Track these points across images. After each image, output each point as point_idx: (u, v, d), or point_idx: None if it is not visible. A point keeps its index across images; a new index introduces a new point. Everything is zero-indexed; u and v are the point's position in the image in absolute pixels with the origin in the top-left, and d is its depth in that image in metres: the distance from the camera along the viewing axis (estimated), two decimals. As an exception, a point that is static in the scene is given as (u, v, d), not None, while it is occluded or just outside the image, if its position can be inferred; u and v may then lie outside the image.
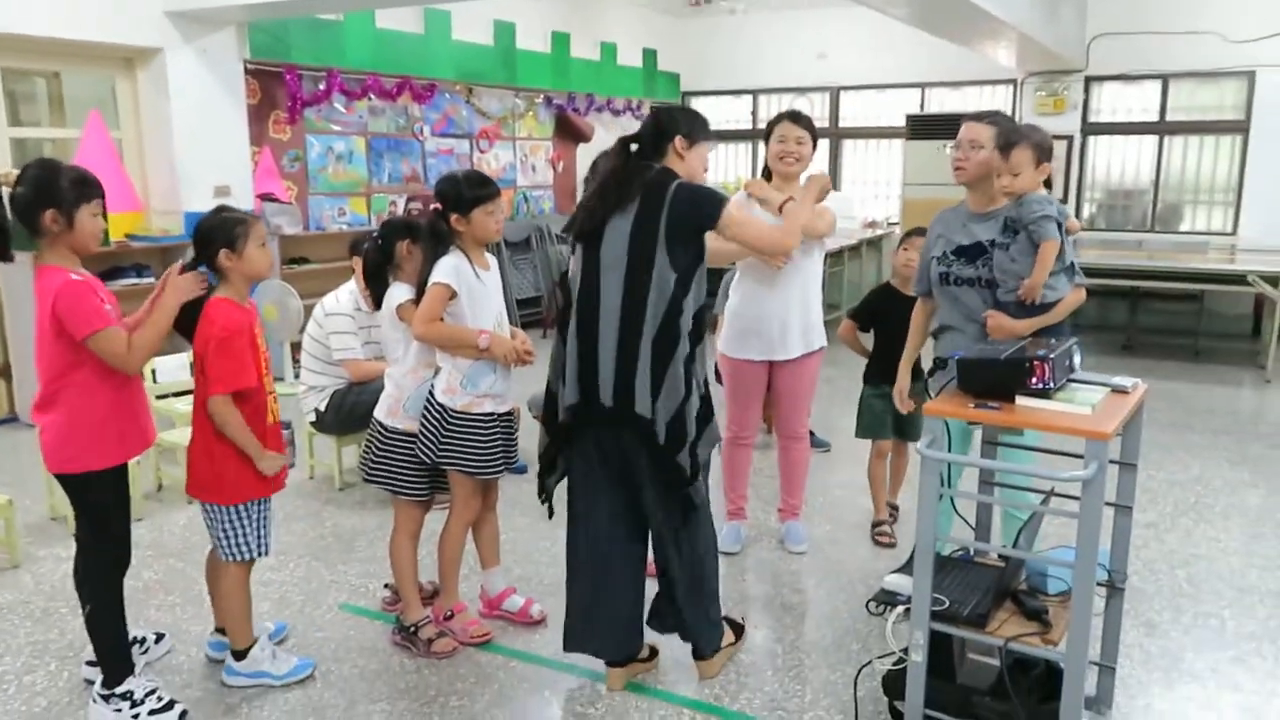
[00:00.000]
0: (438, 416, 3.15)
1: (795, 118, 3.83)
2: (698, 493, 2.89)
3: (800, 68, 10.84)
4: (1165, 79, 9.40)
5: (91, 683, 2.91)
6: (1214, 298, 8.91)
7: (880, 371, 4.09)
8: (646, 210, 2.75)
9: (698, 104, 11.64)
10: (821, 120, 11.13)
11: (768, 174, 3.86)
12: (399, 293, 3.30)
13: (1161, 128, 9.54)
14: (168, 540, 4.21)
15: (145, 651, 3.17)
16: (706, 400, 2.88)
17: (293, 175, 7.47)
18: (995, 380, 2.41)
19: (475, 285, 3.12)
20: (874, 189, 11.02)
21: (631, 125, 9.93)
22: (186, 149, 6.52)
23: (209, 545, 3.08)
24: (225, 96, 6.72)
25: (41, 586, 3.73)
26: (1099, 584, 2.64)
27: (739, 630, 3.27)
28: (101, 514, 2.82)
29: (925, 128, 9.72)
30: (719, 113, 11.44)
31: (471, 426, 3.15)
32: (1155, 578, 3.82)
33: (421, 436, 3.17)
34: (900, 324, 4.10)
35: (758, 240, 3.00)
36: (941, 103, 10.47)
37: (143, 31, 6.19)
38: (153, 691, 2.85)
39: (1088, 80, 9.63)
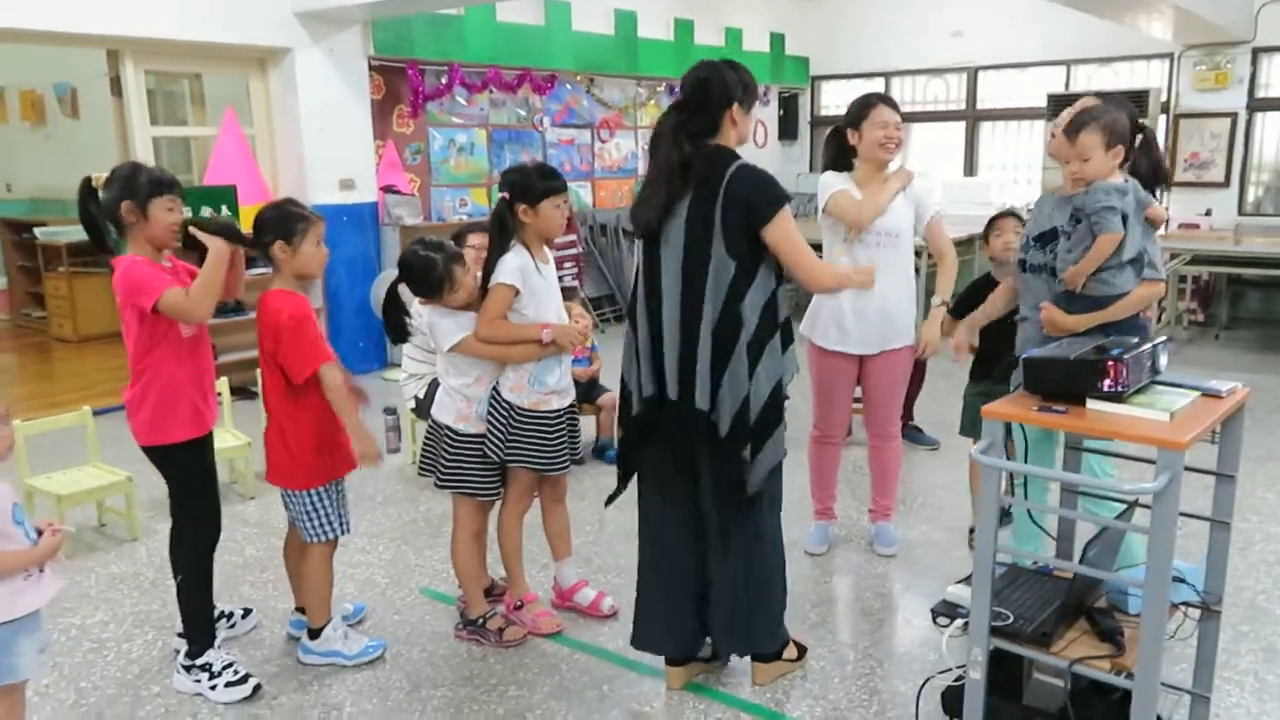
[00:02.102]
0: (505, 414, 3.15)
1: (891, 103, 3.66)
2: (761, 495, 2.78)
3: (934, 47, 10.39)
4: (1346, 48, 8.54)
5: (179, 652, 3.07)
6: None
7: (985, 368, 3.87)
8: (702, 197, 2.66)
9: (828, 88, 11.35)
10: (958, 102, 10.67)
11: (845, 159, 3.70)
12: (450, 327, 3.15)
13: (1341, 101, 8.68)
14: (273, 519, 4.40)
15: (232, 626, 3.33)
16: (777, 402, 2.74)
17: (415, 168, 7.70)
18: (1064, 381, 2.22)
19: (537, 282, 3.11)
20: (1013, 173, 10.48)
21: (758, 112, 9.78)
22: (314, 144, 6.82)
23: (288, 532, 3.21)
24: (350, 93, 6.99)
25: (154, 559, 3.97)
26: (1191, 606, 2.42)
27: (801, 651, 3.11)
28: (184, 485, 2.97)
29: (1068, 108, 9.15)
30: (850, 97, 11.10)
31: (539, 423, 3.15)
32: (1285, 598, 3.48)
33: (490, 435, 3.17)
34: (1005, 316, 3.87)
35: (796, 266, 2.70)
36: (1089, 80, 9.84)
37: (273, 32, 6.49)
38: (230, 665, 2.99)
39: (1255, 52, 8.83)
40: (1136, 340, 2.34)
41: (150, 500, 4.44)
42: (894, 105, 3.65)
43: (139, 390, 2.87)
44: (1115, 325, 2.87)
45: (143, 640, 3.33)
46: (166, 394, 2.86)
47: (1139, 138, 3.02)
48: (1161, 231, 3.07)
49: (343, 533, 3.12)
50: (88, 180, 2.85)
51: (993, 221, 4.02)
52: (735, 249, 2.64)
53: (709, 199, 2.64)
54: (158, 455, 2.94)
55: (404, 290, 3.27)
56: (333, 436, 3.03)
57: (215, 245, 2.83)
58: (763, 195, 2.64)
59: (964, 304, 4.11)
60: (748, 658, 3.01)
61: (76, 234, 8.55)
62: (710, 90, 2.70)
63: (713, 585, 2.88)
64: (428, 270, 3.09)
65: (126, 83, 6.24)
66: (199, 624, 3.01)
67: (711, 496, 2.79)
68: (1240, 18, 8.36)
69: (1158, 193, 3.10)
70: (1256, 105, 8.98)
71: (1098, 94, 3.30)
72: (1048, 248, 2.99)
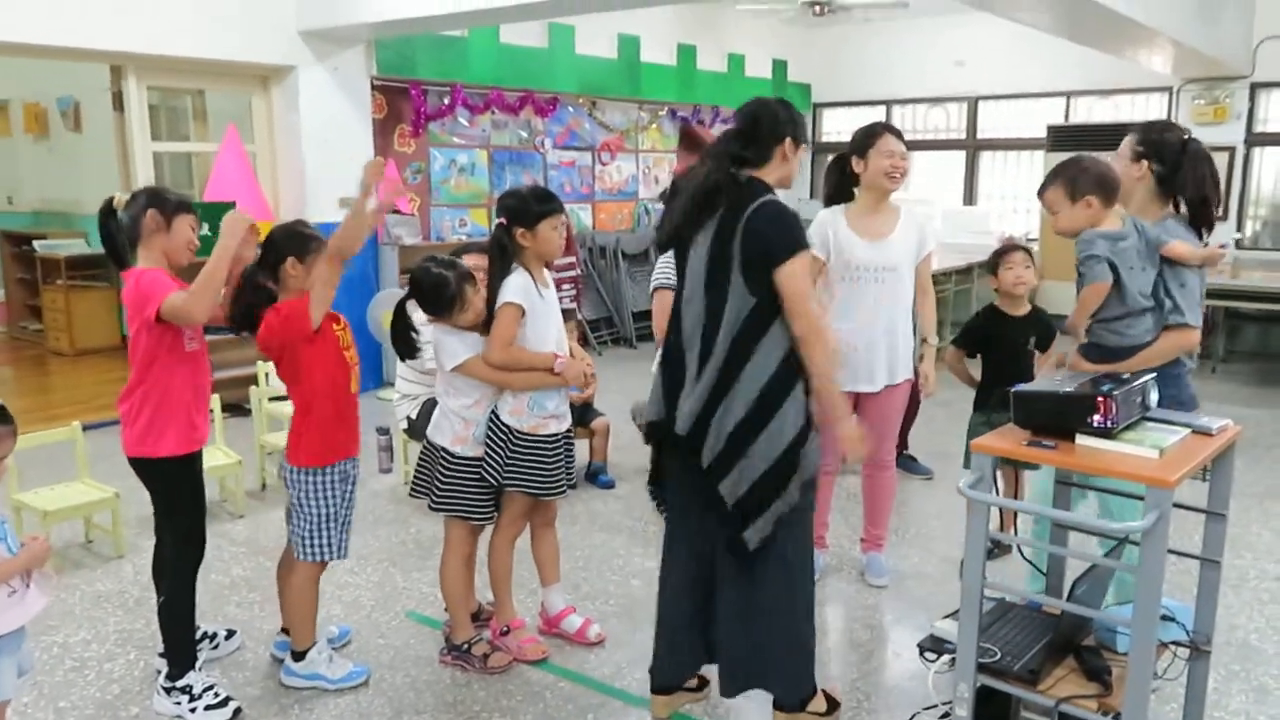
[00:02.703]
0: (504, 438, 3.13)
1: (897, 132, 3.66)
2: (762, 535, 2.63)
3: (936, 77, 10.45)
4: (1344, 84, 8.59)
5: (160, 673, 3.04)
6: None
7: (990, 398, 3.86)
8: (724, 225, 2.60)
9: (830, 115, 11.40)
10: (959, 131, 10.72)
11: (847, 187, 3.70)
12: (456, 347, 3.12)
13: (1339, 137, 8.72)
14: (263, 539, 4.38)
15: (215, 647, 3.30)
16: (785, 467, 2.58)
17: (415, 187, 7.72)
18: (1054, 416, 2.21)
19: (539, 304, 3.10)
20: (1012, 203, 10.51)
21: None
22: (315, 162, 6.83)
23: (284, 550, 3.18)
24: (352, 111, 7.01)
25: (139, 577, 3.94)
26: (1180, 645, 2.40)
27: (832, 705, 2.91)
28: (170, 501, 2.96)
29: (1068, 139, 9.19)
30: (852, 124, 11.15)
31: (538, 447, 3.14)
32: (1278, 636, 3.45)
33: (488, 459, 3.14)
34: (1010, 347, 3.85)
35: (796, 315, 2.56)
36: (1090, 112, 9.89)
37: (278, 50, 6.52)
38: (210, 687, 2.96)
39: (1254, 87, 8.89)
40: (1128, 376, 2.32)
41: (137, 518, 4.41)
42: (899, 135, 3.64)
43: (136, 400, 2.86)
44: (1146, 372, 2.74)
45: (125, 660, 3.30)
46: (164, 407, 2.86)
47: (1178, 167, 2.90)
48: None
49: (339, 556, 3.09)
50: (110, 200, 2.89)
51: (1001, 254, 4.00)
52: (755, 286, 2.57)
53: (730, 228, 2.59)
54: (145, 468, 2.92)
55: (410, 306, 3.26)
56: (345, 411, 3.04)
57: (222, 241, 2.83)
58: (781, 235, 2.56)
59: (969, 339, 4.08)
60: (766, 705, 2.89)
61: (75, 247, 8.59)
62: (761, 122, 2.66)
63: (717, 620, 2.78)
64: (440, 288, 3.08)
65: (129, 98, 6.27)
66: (180, 645, 2.98)
67: (715, 531, 2.71)
68: (1239, 53, 8.41)
69: (1202, 232, 2.94)
70: (1254, 140, 9.02)
71: (1125, 125, 3.26)
72: None
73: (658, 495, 2.96)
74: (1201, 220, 2.91)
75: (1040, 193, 2.92)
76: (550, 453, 3.16)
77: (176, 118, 7.71)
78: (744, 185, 2.63)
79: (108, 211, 2.88)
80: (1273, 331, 8.43)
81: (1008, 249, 4.01)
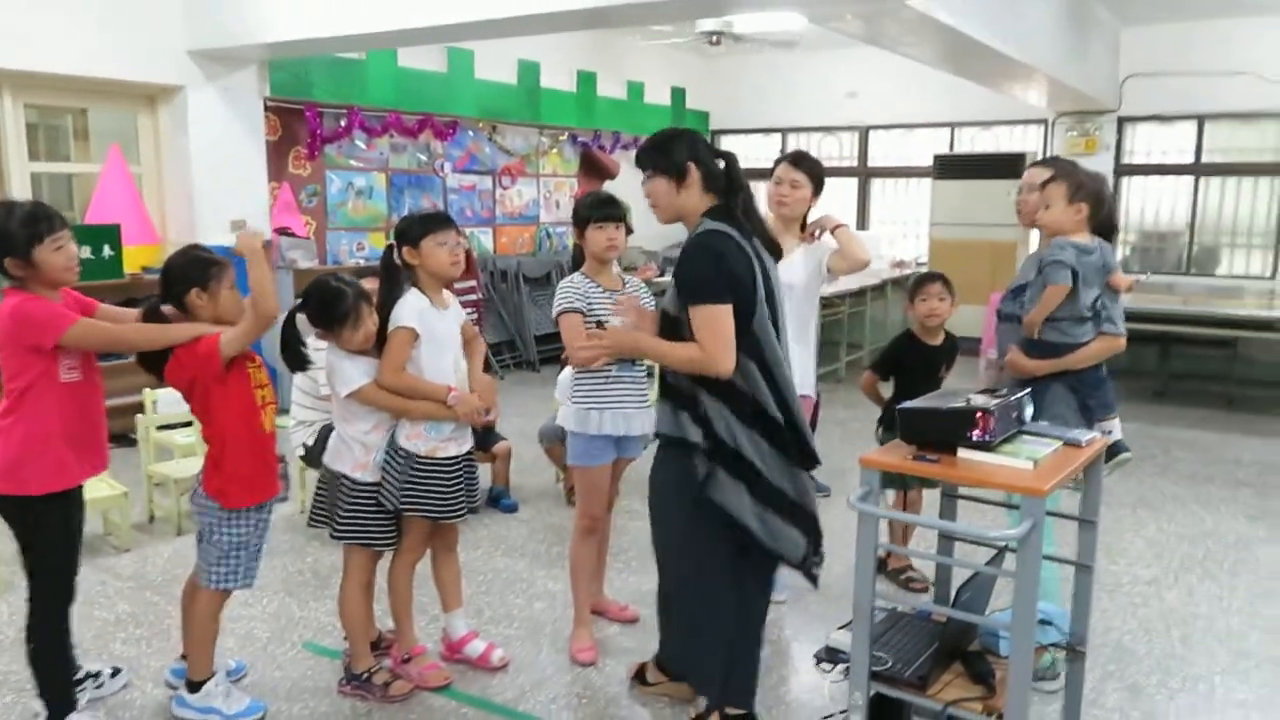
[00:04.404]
0: (402, 463, 3.10)
1: (796, 161, 3.74)
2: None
3: (830, 106, 10.80)
4: (1201, 119, 9.22)
5: (39, 716, 2.90)
6: (1250, 344, 8.60)
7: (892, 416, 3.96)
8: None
9: (727, 142, 11.64)
10: (850, 159, 11.08)
11: None
12: (350, 372, 3.06)
13: (1197, 169, 9.34)
14: (150, 572, 4.22)
15: (100, 686, 3.16)
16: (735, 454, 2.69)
17: (311, 210, 7.59)
18: (936, 431, 2.32)
19: (435, 327, 3.09)
20: (902, 228, 10.91)
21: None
22: (204, 183, 6.65)
23: (190, 574, 3.08)
24: (244, 133, 6.86)
25: (15, 617, 3.72)
26: (1058, 648, 2.53)
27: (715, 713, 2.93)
28: (36, 543, 2.80)
29: (953, 167, 9.62)
30: (748, 151, 11.43)
31: (436, 471, 3.11)
32: (1149, 638, 3.65)
33: (385, 483, 3.11)
34: (922, 373, 3.95)
35: (701, 344, 2.61)
36: (972, 142, 10.36)
37: (165, 70, 6.35)
38: (94, 729, 2.84)
39: (1120, 121, 9.47)
40: (1005, 392, 2.45)
41: (11, 554, 4.19)
42: (801, 164, 3.69)
43: (4, 428, 2.71)
44: (1078, 375, 3.19)
45: (1, 703, 3.14)
46: (30, 440, 2.71)
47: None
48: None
49: (244, 585, 3.00)
50: None
51: (919, 284, 4.04)
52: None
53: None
54: (5, 506, 2.77)
55: (301, 322, 3.18)
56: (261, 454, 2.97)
57: (254, 273, 2.77)
58: (687, 280, 2.66)
59: (885, 364, 4.13)
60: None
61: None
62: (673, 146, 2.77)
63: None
64: (336, 300, 3.00)
65: (4, 115, 6.01)
66: (56, 692, 2.86)
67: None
68: (1107, 88, 8.95)
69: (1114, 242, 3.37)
70: (1122, 170, 9.59)
71: (1045, 160, 3.65)
72: (1019, 299, 3.26)
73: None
74: (1109, 237, 3.31)
75: (1044, 183, 3.19)
76: (449, 476, 3.14)
77: (57, 137, 7.40)
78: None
79: None
80: (1141, 351, 8.92)
81: (926, 279, 4.04)
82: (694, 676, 3.01)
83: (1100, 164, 9.40)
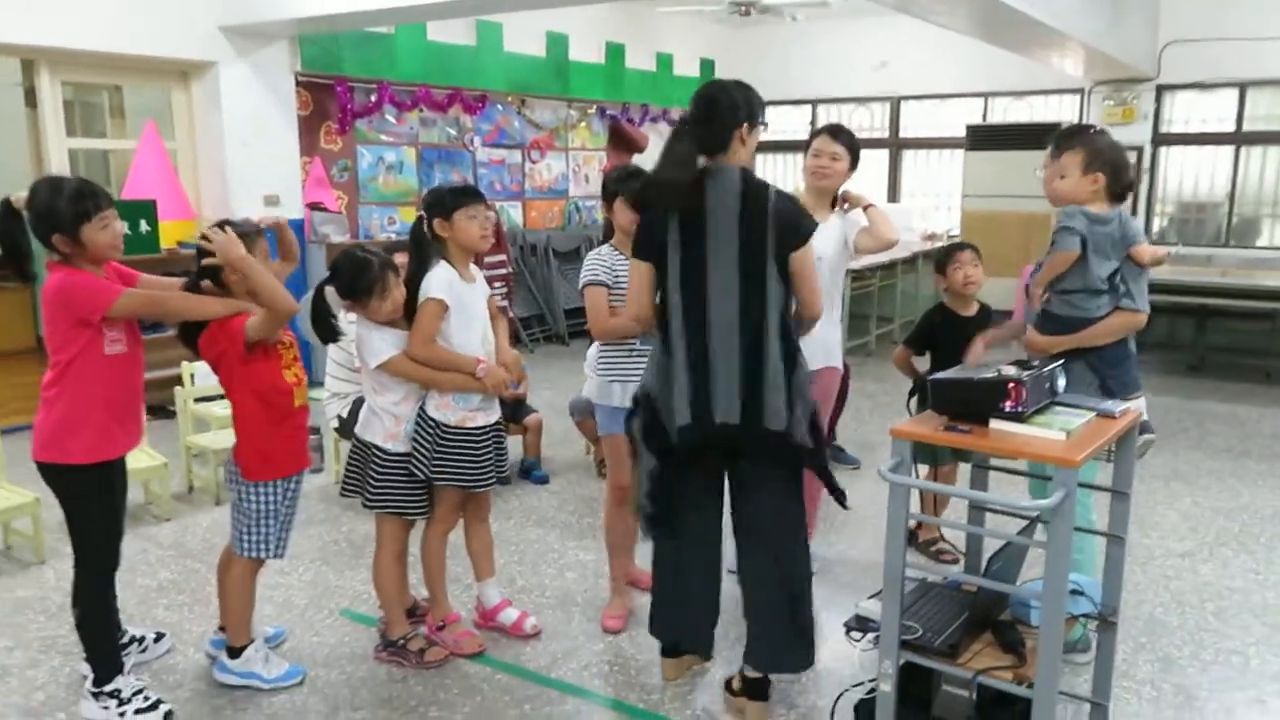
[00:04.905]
0: (431, 433, 3.14)
1: (835, 133, 3.69)
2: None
3: (860, 77, 10.68)
4: (1243, 87, 9.02)
5: (87, 678, 2.98)
6: (1290, 317, 8.48)
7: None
8: (752, 218, 2.62)
9: (756, 114, 11.54)
10: (881, 130, 10.97)
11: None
12: (379, 344, 3.10)
13: (1238, 138, 9.15)
14: (190, 541, 4.31)
15: (144, 650, 3.25)
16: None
17: (342, 185, 7.64)
18: (969, 402, 2.32)
19: (463, 299, 3.12)
20: (934, 200, 10.80)
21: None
22: (237, 159, 6.72)
23: (225, 544, 3.15)
24: (276, 108, 6.92)
25: (61, 583, 3.84)
26: (1090, 618, 2.53)
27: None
28: (76, 511, 2.85)
29: (986, 138, 9.49)
30: (777, 123, 11.36)
31: (465, 441, 3.15)
32: (1181, 610, 3.63)
33: (416, 453, 3.15)
34: (959, 345, 3.90)
35: (806, 292, 2.73)
36: (1005, 112, 10.22)
37: (197, 46, 6.40)
38: (140, 691, 2.92)
39: (1159, 89, 9.29)
40: (1038, 364, 2.44)
41: (59, 522, 4.28)
42: (840, 136, 3.64)
43: (52, 396, 2.77)
44: (1098, 353, 3.01)
45: (49, 666, 3.23)
46: (75, 411, 2.76)
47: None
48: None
49: (275, 555, 3.06)
50: (6, 201, 2.73)
51: (949, 253, 4.00)
52: (783, 272, 2.67)
53: (759, 220, 2.62)
54: (50, 474, 2.83)
55: (331, 295, 3.20)
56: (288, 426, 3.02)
57: (253, 263, 2.81)
58: (800, 227, 2.66)
59: (919, 338, 4.11)
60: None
61: (-14, 247, 8.28)
62: (719, 108, 2.67)
63: (758, 605, 2.85)
64: (362, 270, 3.04)
65: (42, 93, 6.09)
66: (104, 653, 2.92)
67: (769, 514, 2.80)
68: (1145, 56, 8.78)
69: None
70: (1160, 139, 9.42)
71: (1040, 125, 3.45)
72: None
73: (660, 512, 2.85)
74: (1123, 199, 3.16)
75: (1057, 153, 3.03)
76: (478, 445, 3.18)
77: (93, 114, 7.50)
78: (751, 177, 2.69)
79: (6, 213, 2.73)
80: (1178, 323, 8.80)
81: (955, 248, 4.01)
82: (798, 658, 2.90)
83: (1138, 134, 9.28)
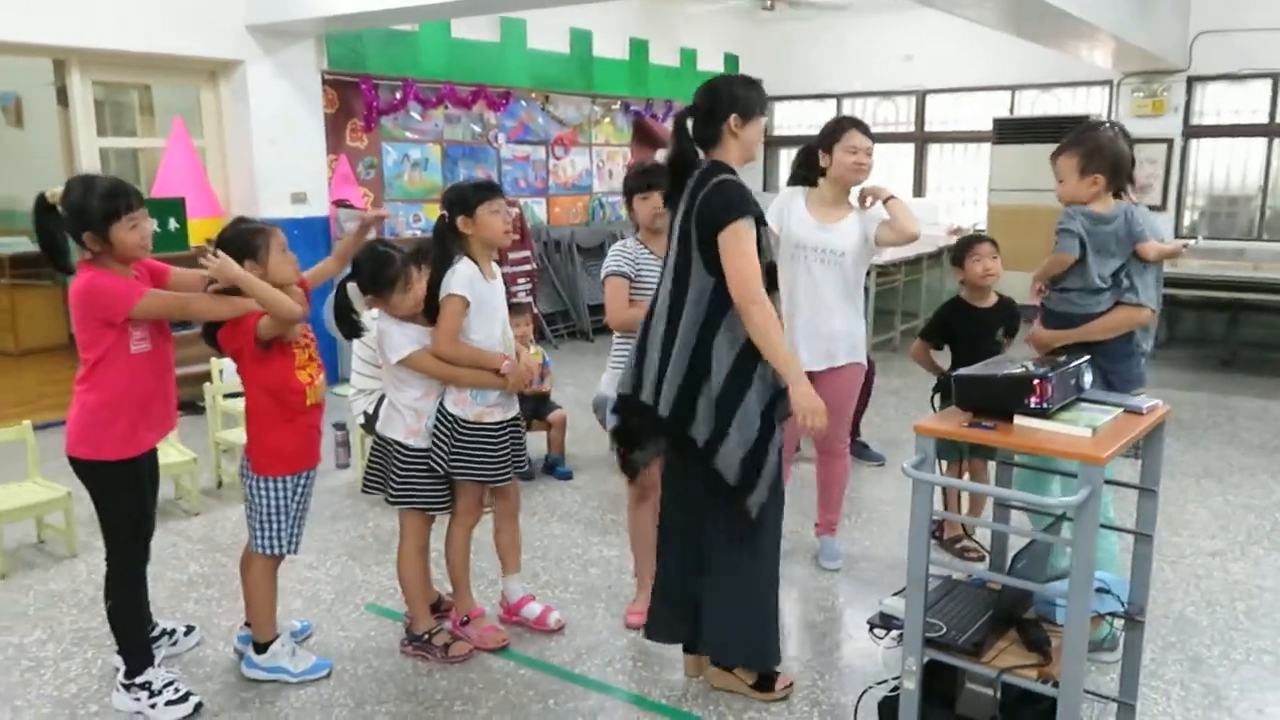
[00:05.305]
0: (449, 428, 3.16)
1: (864, 128, 3.70)
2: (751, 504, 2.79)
3: (885, 71, 10.60)
4: (1276, 77, 8.86)
5: (118, 670, 3.03)
6: (1325, 311, 8.34)
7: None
8: (687, 208, 2.72)
9: (780, 109, 11.51)
10: (907, 124, 10.89)
11: (811, 177, 3.75)
12: (400, 340, 3.13)
13: (1272, 130, 9.00)
14: (219, 536, 4.36)
15: (174, 644, 3.29)
16: (767, 418, 2.74)
17: (368, 182, 7.68)
18: (993, 398, 2.30)
19: (484, 291, 3.13)
20: (960, 194, 10.71)
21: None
22: (265, 157, 6.78)
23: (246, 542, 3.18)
24: (303, 106, 6.97)
25: (94, 576, 3.90)
26: (1115, 616, 2.51)
27: (766, 684, 3.02)
28: (107, 506, 2.90)
29: (1013, 131, 9.40)
30: (802, 117, 11.32)
31: (482, 436, 3.17)
32: (1212, 610, 3.59)
33: (434, 449, 3.18)
34: (977, 338, 3.88)
35: (734, 276, 2.63)
36: (1033, 105, 10.11)
37: (225, 44, 6.47)
38: (170, 683, 2.96)
39: (1190, 80, 9.15)
40: (1064, 359, 2.42)
41: (91, 516, 4.34)
42: (866, 130, 3.68)
43: (83, 392, 2.82)
44: (1100, 349, 2.95)
45: (81, 659, 3.28)
46: (104, 408, 2.80)
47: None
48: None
49: (290, 551, 3.10)
50: (42, 196, 2.77)
51: (967, 246, 3.98)
52: (713, 265, 2.67)
53: (688, 211, 2.71)
54: (81, 469, 2.87)
55: (353, 292, 3.23)
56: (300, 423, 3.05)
57: (252, 279, 2.83)
58: (724, 202, 2.65)
59: (935, 331, 4.09)
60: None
61: (19, 245, 8.41)
62: (711, 100, 2.74)
63: (704, 594, 2.92)
64: (384, 265, 3.08)
65: (73, 92, 6.17)
66: (135, 645, 2.97)
67: (709, 510, 2.85)
68: (1175, 47, 8.65)
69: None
70: (1191, 132, 9.28)
71: (1068, 117, 3.45)
72: None
73: (634, 461, 3.01)
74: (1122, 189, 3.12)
75: (1054, 156, 3.05)
76: (495, 441, 3.20)
77: (122, 112, 7.60)
78: (708, 168, 2.71)
79: (42, 209, 2.77)
80: (1209, 318, 8.69)
81: (973, 240, 3.99)
82: (751, 655, 2.99)
83: (1169, 126, 9.16)
